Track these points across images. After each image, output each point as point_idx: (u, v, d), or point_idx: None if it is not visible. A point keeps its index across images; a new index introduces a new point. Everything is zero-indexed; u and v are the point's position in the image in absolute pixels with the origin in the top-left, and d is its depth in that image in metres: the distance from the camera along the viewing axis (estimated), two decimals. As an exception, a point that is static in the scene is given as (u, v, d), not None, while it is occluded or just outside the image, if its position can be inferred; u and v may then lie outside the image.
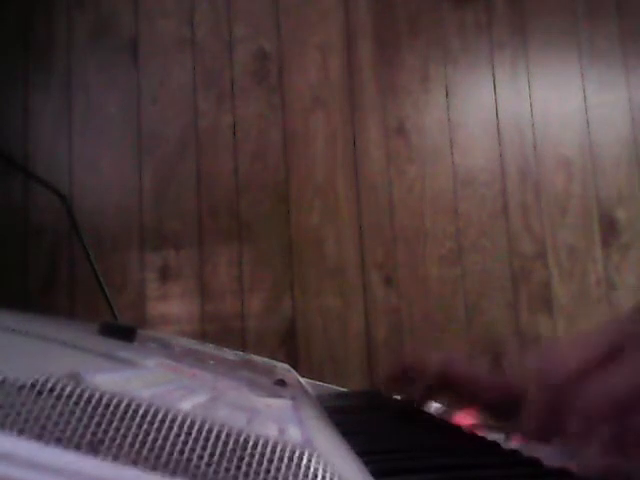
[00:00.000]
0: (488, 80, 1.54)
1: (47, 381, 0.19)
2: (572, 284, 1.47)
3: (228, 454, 0.19)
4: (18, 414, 0.19)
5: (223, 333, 1.42)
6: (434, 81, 1.54)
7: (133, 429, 0.19)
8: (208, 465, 0.19)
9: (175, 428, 0.19)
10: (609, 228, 1.50)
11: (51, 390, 0.19)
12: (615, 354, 0.36)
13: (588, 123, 1.53)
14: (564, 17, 1.56)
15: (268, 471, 0.19)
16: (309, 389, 0.82)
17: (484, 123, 1.53)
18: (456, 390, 0.63)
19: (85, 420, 0.19)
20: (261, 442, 0.20)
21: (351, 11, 1.54)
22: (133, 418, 0.19)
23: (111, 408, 0.19)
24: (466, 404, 0.63)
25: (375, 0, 1.55)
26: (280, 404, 0.36)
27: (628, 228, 1.50)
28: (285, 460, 0.19)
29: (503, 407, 0.53)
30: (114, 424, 0.19)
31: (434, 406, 0.73)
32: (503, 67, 1.55)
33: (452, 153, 1.51)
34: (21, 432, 0.18)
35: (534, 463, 0.41)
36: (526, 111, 1.54)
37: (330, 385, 0.96)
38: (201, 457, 0.19)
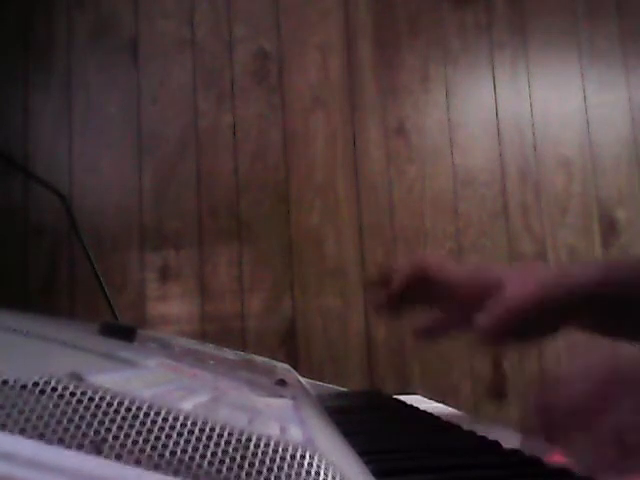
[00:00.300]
0: (488, 80, 1.54)
1: (49, 381, 0.20)
2: (572, 284, 1.47)
3: (230, 453, 0.19)
4: (20, 414, 0.19)
5: (223, 333, 1.42)
6: (434, 81, 1.54)
7: (135, 428, 0.19)
8: (210, 464, 0.19)
9: (177, 428, 0.19)
10: (609, 228, 1.50)
11: (53, 390, 0.19)
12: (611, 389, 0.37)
13: (588, 123, 1.54)
14: (564, 17, 1.56)
15: (270, 470, 0.19)
16: (309, 389, 0.82)
17: (484, 123, 1.53)
18: (430, 289, 0.62)
19: (87, 420, 0.19)
20: (263, 442, 0.20)
21: (351, 11, 1.55)
22: (135, 417, 0.19)
23: (113, 408, 0.19)
24: (438, 303, 0.62)
25: (375, 0, 1.55)
26: (281, 404, 0.36)
27: (628, 228, 1.50)
28: (287, 459, 0.19)
29: (477, 299, 0.53)
30: (116, 423, 0.19)
31: (436, 406, 0.73)
32: (503, 67, 1.55)
33: (452, 153, 1.51)
34: (23, 432, 0.18)
35: (534, 463, 0.41)
36: (526, 111, 1.54)
37: (330, 385, 0.96)
38: (203, 456, 0.19)
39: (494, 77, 1.55)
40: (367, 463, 0.34)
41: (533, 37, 1.56)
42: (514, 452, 0.44)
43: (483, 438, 0.51)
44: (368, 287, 0.72)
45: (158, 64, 1.52)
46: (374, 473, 0.31)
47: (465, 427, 0.57)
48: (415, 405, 0.76)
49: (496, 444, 0.48)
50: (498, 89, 1.54)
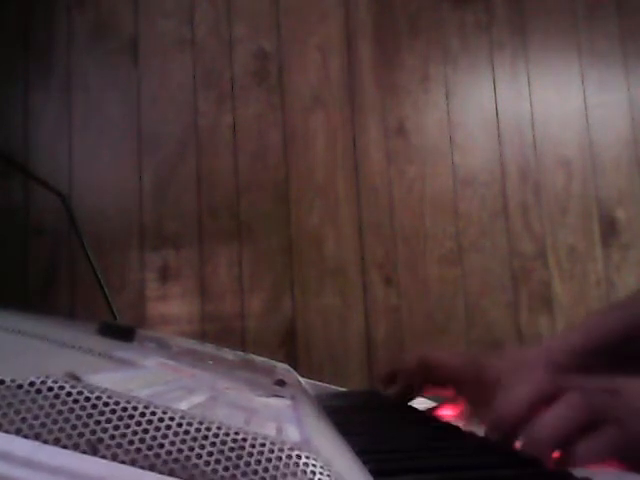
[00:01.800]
0: (488, 80, 1.54)
1: (45, 381, 0.20)
2: (572, 284, 1.47)
3: (226, 454, 0.19)
4: (16, 413, 0.19)
5: (223, 333, 1.42)
6: (434, 81, 1.54)
7: (132, 428, 0.19)
8: (206, 464, 0.19)
9: (173, 427, 0.19)
10: (609, 228, 1.50)
11: (49, 390, 0.19)
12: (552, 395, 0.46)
13: (588, 123, 1.53)
14: (564, 17, 1.56)
15: (266, 470, 0.19)
16: (309, 389, 0.82)
17: (484, 123, 1.53)
18: (434, 380, 0.68)
19: (84, 419, 0.19)
20: (259, 442, 0.20)
21: (351, 11, 1.55)
22: (132, 417, 0.19)
23: (110, 407, 0.19)
24: (444, 393, 0.67)
25: (375, 0, 1.55)
26: (279, 404, 0.36)
27: (628, 228, 1.50)
28: (283, 459, 0.19)
29: (476, 393, 0.58)
30: (113, 423, 0.19)
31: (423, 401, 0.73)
32: (503, 67, 1.55)
33: (452, 153, 1.51)
34: (19, 431, 0.18)
35: (534, 463, 0.41)
36: (526, 111, 1.54)
37: (330, 385, 0.96)
38: (199, 456, 0.19)
39: (494, 77, 1.55)
40: (366, 463, 0.34)
41: (533, 37, 1.56)
42: (514, 452, 0.44)
43: (483, 438, 0.51)
44: (377, 384, 0.77)
45: (158, 64, 1.52)
46: (373, 473, 0.31)
47: (465, 427, 0.57)
48: (415, 405, 0.76)
49: (496, 444, 0.48)
50: (498, 89, 1.54)
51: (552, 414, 0.45)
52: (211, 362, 0.56)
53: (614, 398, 0.45)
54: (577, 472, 0.38)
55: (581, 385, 0.48)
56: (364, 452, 0.38)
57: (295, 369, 1.01)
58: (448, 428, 0.59)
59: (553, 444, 0.44)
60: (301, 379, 0.88)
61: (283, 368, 0.87)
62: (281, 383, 0.53)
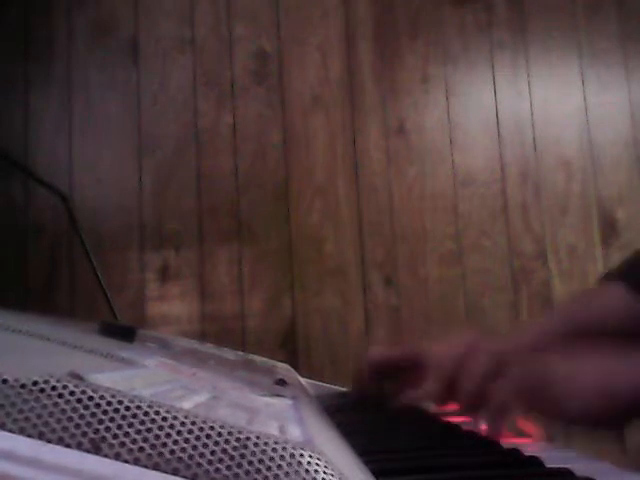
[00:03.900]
0: (488, 80, 1.54)
1: (48, 380, 0.20)
2: (572, 284, 1.47)
3: (229, 453, 0.19)
4: (20, 413, 0.19)
5: (223, 333, 1.42)
6: (434, 81, 1.54)
7: (135, 427, 0.19)
8: (210, 463, 0.19)
9: (176, 427, 0.19)
10: (609, 228, 1.50)
11: (53, 389, 0.19)
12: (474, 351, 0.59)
13: (588, 123, 1.54)
14: (564, 17, 1.56)
15: (269, 469, 0.19)
16: (309, 389, 0.83)
17: (484, 123, 1.53)
18: (386, 374, 0.74)
19: (87, 418, 0.19)
20: (262, 441, 0.20)
21: (351, 11, 1.55)
22: (135, 417, 0.19)
23: (113, 407, 0.19)
24: (395, 383, 0.73)
25: (375, 0, 1.55)
26: (281, 403, 0.36)
27: (628, 228, 1.50)
28: (286, 459, 0.19)
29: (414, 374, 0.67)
30: (116, 422, 0.19)
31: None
32: (503, 67, 1.55)
33: (452, 153, 1.51)
34: (23, 430, 0.18)
35: (534, 463, 0.41)
36: (526, 111, 1.54)
37: (330, 385, 0.96)
38: (203, 455, 0.19)
39: (494, 77, 1.55)
40: (367, 463, 0.34)
41: (533, 37, 1.56)
42: (514, 452, 0.44)
43: (483, 438, 0.51)
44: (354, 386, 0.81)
45: (158, 64, 1.52)
46: (374, 473, 0.31)
47: (465, 427, 0.57)
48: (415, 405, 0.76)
49: (496, 444, 0.48)
50: (498, 89, 1.54)
51: (467, 372, 0.56)
52: (212, 362, 0.56)
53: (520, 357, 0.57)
54: (578, 472, 0.38)
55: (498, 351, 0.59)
56: (365, 452, 0.38)
57: (295, 369, 1.01)
58: (448, 428, 0.59)
59: (473, 393, 0.54)
60: (301, 379, 0.88)
61: (283, 368, 0.88)
62: (282, 383, 0.53)
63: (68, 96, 1.51)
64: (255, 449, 0.19)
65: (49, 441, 0.18)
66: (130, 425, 0.19)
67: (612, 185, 1.52)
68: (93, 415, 0.19)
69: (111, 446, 0.19)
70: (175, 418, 0.19)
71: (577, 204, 1.51)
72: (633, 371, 0.53)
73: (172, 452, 0.19)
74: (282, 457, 0.19)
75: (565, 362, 0.55)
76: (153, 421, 0.19)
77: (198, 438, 0.19)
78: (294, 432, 0.25)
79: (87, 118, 1.50)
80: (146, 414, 0.19)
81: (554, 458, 0.42)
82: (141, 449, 0.19)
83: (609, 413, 0.52)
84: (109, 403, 0.19)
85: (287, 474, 0.19)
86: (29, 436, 0.18)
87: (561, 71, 1.56)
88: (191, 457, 0.19)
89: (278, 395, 0.41)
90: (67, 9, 1.53)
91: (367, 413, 0.70)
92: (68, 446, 0.18)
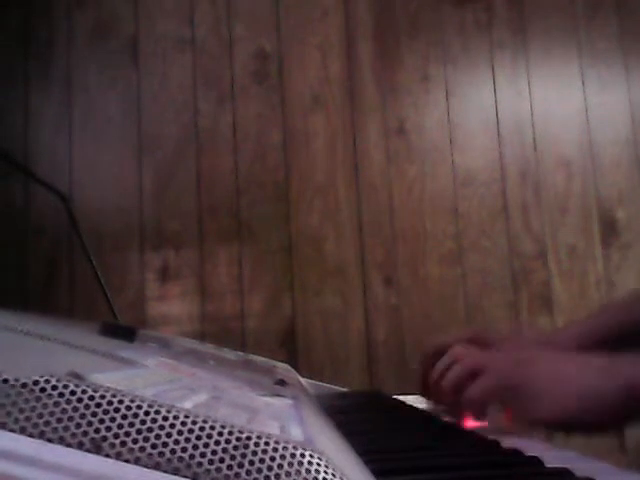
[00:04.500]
0: (488, 80, 1.54)
1: (50, 379, 0.20)
2: (572, 284, 1.48)
3: (230, 452, 0.19)
4: (21, 412, 0.19)
5: (223, 333, 1.42)
6: (434, 81, 1.54)
7: (136, 427, 0.19)
8: (211, 463, 0.19)
9: (177, 426, 0.19)
10: (609, 228, 1.50)
11: (54, 388, 0.19)
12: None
13: (588, 123, 1.54)
14: (564, 17, 1.56)
15: (270, 469, 0.19)
16: (309, 389, 0.83)
17: (484, 123, 1.53)
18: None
19: (88, 418, 0.19)
20: (263, 440, 0.20)
21: (351, 11, 1.55)
22: (136, 416, 0.19)
23: (114, 406, 0.19)
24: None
25: (375, 0, 1.55)
26: (281, 403, 0.36)
27: (628, 228, 1.50)
28: (287, 458, 0.19)
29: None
30: (117, 422, 0.19)
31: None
32: (503, 67, 1.55)
33: (452, 153, 1.51)
34: (24, 430, 0.18)
35: (534, 463, 0.41)
36: (526, 111, 1.54)
37: (330, 385, 0.96)
38: (204, 455, 0.19)
39: (494, 77, 1.55)
40: (367, 463, 0.34)
41: (533, 37, 1.56)
42: (514, 452, 0.44)
43: (483, 438, 0.51)
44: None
45: (158, 64, 1.52)
46: (374, 473, 0.31)
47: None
48: (415, 405, 0.76)
49: (496, 444, 0.48)
50: (498, 89, 1.54)
51: (450, 372, 0.60)
52: (212, 362, 0.56)
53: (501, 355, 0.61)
54: (578, 472, 0.38)
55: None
56: (365, 452, 0.38)
57: (295, 369, 1.01)
58: (448, 428, 0.59)
59: (452, 392, 0.58)
60: (301, 379, 0.88)
61: (283, 368, 0.88)
62: (282, 383, 0.53)
63: (68, 96, 1.51)
64: (256, 449, 0.19)
65: (50, 441, 0.18)
66: (131, 425, 0.19)
67: (612, 185, 1.52)
68: (94, 415, 0.19)
69: (112, 446, 0.19)
70: (176, 418, 0.19)
71: (577, 204, 1.51)
72: (620, 373, 0.54)
73: (173, 452, 0.19)
74: (283, 457, 0.19)
75: (551, 362, 0.57)
76: (154, 421, 0.19)
77: (199, 438, 0.19)
78: (295, 432, 0.25)
79: (87, 118, 1.50)
80: (147, 414, 0.19)
81: (554, 458, 0.42)
82: (142, 449, 0.19)
83: (589, 416, 0.53)
84: (110, 403, 0.19)
85: (288, 474, 0.19)
86: (30, 436, 0.18)
87: (561, 71, 1.56)
88: (192, 457, 0.19)
89: (278, 395, 0.41)
90: (67, 9, 1.53)
91: (368, 413, 0.70)
92: (69, 446, 0.18)
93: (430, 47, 1.54)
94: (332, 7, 1.55)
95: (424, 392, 0.76)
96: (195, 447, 0.19)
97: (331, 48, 1.53)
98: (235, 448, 0.19)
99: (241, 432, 0.20)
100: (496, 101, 1.54)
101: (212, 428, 0.19)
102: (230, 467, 0.19)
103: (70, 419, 0.19)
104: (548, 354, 0.61)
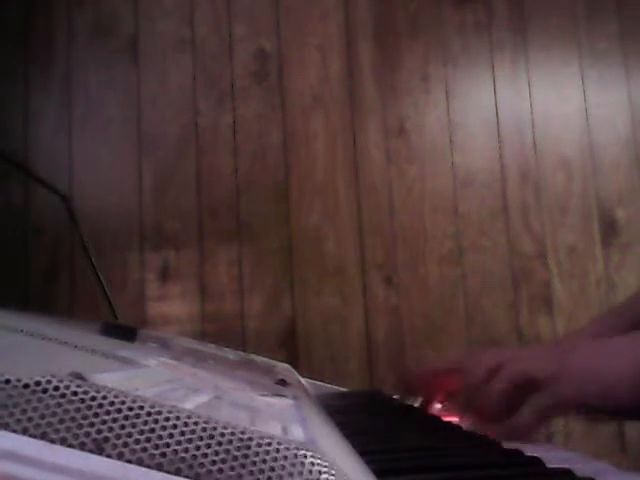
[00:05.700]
0: (488, 80, 1.54)
1: (51, 380, 0.20)
2: (572, 284, 1.48)
3: (233, 453, 0.19)
4: (23, 413, 0.19)
5: (223, 333, 1.42)
6: (434, 81, 1.54)
7: (138, 428, 0.19)
8: (213, 464, 0.19)
9: (179, 427, 0.19)
10: (609, 228, 1.50)
11: (55, 389, 0.19)
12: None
13: (588, 123, 1.54)
14: (564, 17, 1.56)
15: (272, 469, 0.19)
16: (309, 389, 0.83)
17: (484, 123, 1.53)
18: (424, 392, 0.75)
19: (90, 419, 0.19)
20: (265, 441, 0.20)
21: (351, 11, 1.55)
22: (137, 417, 0.19)
23: (115, 407, 0.19)
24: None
25: (375, 0, 1.55)
26: (282, 403, 0.37)
27: (628, 228, 1.50)
28: (289, 459, 0.19)
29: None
30: (119, 423, 0.19)
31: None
32: (503, 67, 1.55)
33: (452, 153, 1.51)
34: (26, 431, 0.18)
35: (535, 463, 0.41)
36: (526, 111, 1.54)
37: (330, 385, 0.96)
38: (206, 456, 0.19)
39: (494, 77, 1.55)
40: (368, 463, 0.34)
41: (533, 37, 1.56)
42: (514, 452, 0.44)
43: (483, 438, 0.51)
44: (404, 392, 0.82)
45: (158, 64, 1.52)
46: (375, 473, 0.31)
47: (465, 427, 0.57)
48: (415, 405, 0.76)
49: (496, 444, 0.48)
50: (498, 89, 1.54)
51: (491, 389, 0.53)
52: (212, 362, 0.56)
53: (549, 361, 0.54)
54: (578, 472, 0.38)
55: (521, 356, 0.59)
56: (365, 452, 0.38)
57: (295, 369, 1.01)
58: (448, 428, 0.59)
59: (498, 415, 0.52)
60: (301, 379, 0.88)
61: (283, 368, 0.88)
62: (282, 383, 0.54)
63: (68, 96, 1.51)
64: (258, 449, 0.19)
65: (52, 441, 0.18)
66: (133, 425, 0.19)
67: (612, 185, 1.52)
68: (96, 415, 0.19)
69: (114, 446, 0.19)
70: (178, 418, 0.19)
71: (577, 204, 1.51)
72: None
73: (175, 452, 0.19)
74: (285, 457, 0.19)
75: (593, 347, 0.54)
76: (156, 421, 0.19)
77: (201, 438, 0.19)
78: (296, 432, 0.25)
79: (87, 118, 1.50)
80: (149, 414, 0.19)
81: (554, 458, 0.42)
82: (144, 449, 0.19)
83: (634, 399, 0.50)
84: (112, 403, 0.19)
85: (290, 474, 0.19)
86: (32, 436, 0.18)
87: (561, 71, 1.56)
88: (194, 457, 0.19)
89: (279, 395, 0.41)
90: (67, 9, 1.53)
91: (368, 413, 0.70)
92: (71, 446, 0.18)
93: (430, 47, 1.54)
94: (332, 7, 1.55)
95: (409, 390, 0.77)
96: (197, 448, 0.19)
97: (331, 48, 1.53)
98: (237, 449, 0.19)
99: (243, 433, 0.20)
100: (496, 101, 1.54)
101: (214, 429, 0.19)
102: (232, 468, 0.19)
103: (72, 420, 0.19)
104: (585, 343, 0.58)
